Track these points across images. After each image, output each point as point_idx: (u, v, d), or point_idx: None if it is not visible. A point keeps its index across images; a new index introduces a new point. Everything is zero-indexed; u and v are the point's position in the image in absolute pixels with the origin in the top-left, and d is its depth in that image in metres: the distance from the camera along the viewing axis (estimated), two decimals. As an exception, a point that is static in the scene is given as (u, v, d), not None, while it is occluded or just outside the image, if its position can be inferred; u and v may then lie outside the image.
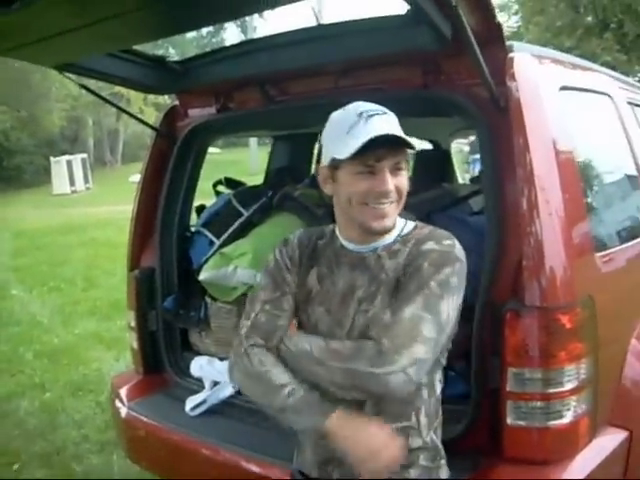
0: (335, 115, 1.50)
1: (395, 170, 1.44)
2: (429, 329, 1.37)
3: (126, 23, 1.85)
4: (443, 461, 1.59)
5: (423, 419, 1.52)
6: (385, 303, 1.46)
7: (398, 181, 1.45)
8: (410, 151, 1.47)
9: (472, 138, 14.00)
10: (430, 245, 1.46)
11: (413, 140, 1.47)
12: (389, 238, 1.52)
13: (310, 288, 1.57)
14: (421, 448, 1.52)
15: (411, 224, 1.56)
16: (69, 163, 24.61)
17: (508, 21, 22.99)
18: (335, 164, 1.46)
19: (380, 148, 1.40)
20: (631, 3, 18.53)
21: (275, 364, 1.49)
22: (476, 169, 12.37)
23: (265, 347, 1.52)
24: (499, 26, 1.92)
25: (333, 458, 1.53)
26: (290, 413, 1.44)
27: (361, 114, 1.43)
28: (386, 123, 1.42)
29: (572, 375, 1.81)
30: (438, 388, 1.56)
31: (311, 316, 1.56)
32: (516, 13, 22.95)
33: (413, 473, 1.51)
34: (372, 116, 1.42)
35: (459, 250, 1.47)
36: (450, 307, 1.41)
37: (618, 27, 19.01)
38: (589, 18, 19.99)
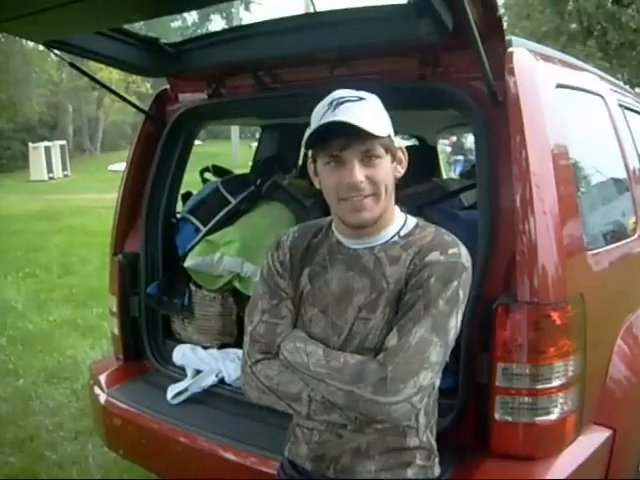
0: (317, 106, 1.41)
1: (366, 159, 1.34)
2: (436, 353, 1.32)
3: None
4: (437, 459, 1.56)
5: (422, 419, 1.49)
6: (386, 315, 1.40)
7: (372, 172, 1.35)
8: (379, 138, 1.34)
9: (454, 139, 14.16)
10: (435, 256, 1.37)
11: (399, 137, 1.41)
12: (385, 235, 1.44)
13: (302, 289, 1.51)
14: (418, 447, 1.50)
15: (412, 222, 1.48)
16: (47, 149, 24.28)
17: (494, 25, 23.18)
18: (313, 156, 1.41)
19: (341, 136, 1.31)
20: (615, 12, 18.82)
21: (281, 371, 1.44)
22: (457, 170, 12.47)
23: (268, 358, 1.47)
24: (500, 20, 1.92)
25: (328, 455, 1.50)
26: (319, 415, 1.40)
27: (332, 102, 1.35)
28: (354, 110, 1.32)
29: (560, 372, 1.80)
30: (437, 386, 1.50)
31: (304, 317, 1.50)
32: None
33: (410, 472, 1.49)
34: (342, 103, 1.33)
35: (465, 257, 1.40)
36: (457, 320, 1.37)
37: (602, 35, 19.30)
38: (574, 25, 20.29)
